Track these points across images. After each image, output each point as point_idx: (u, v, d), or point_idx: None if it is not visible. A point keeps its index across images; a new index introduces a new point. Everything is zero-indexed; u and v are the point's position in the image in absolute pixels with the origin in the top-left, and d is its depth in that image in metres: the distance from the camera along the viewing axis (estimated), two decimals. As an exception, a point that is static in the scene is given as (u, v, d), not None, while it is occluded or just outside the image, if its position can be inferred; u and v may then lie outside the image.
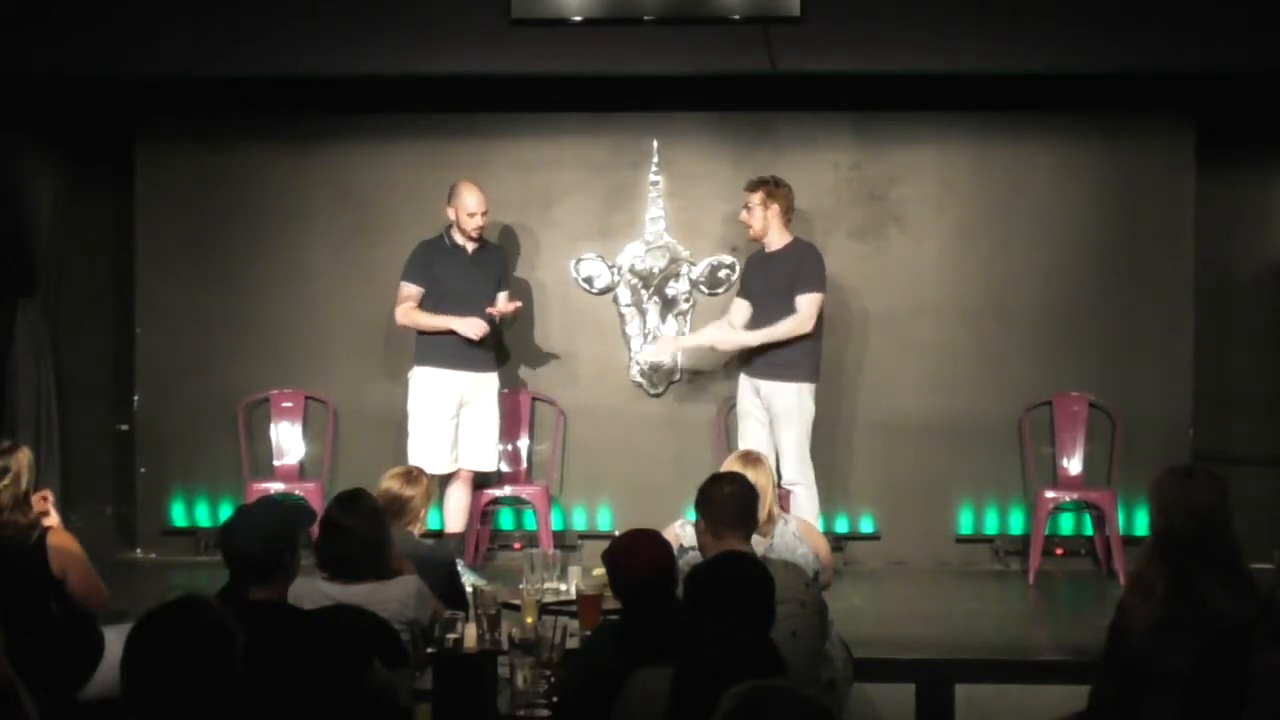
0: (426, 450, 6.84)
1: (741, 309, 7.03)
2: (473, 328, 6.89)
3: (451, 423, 6.94)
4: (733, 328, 6.99)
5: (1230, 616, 3.65)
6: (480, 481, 7.23)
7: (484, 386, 7.05)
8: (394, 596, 4.30)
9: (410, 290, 6.95)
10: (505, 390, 7.58)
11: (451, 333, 6.89)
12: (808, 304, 6.76)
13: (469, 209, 6.93)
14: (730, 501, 4.36)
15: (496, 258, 7.23)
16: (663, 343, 7.48)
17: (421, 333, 6.96)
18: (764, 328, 6.80)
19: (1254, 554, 4.00)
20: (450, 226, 7.02)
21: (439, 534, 7.03)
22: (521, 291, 7.62)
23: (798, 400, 6.76)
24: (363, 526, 4.39)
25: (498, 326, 7.19)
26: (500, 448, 7.42)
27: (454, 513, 7.04)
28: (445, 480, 6.98)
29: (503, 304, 7.07)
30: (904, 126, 7.68)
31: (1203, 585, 3.75)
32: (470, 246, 7.01)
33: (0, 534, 4.79)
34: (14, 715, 3.46)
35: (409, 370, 7.05)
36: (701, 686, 2.77)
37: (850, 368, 7.62)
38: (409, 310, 6.94)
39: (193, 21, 6.30)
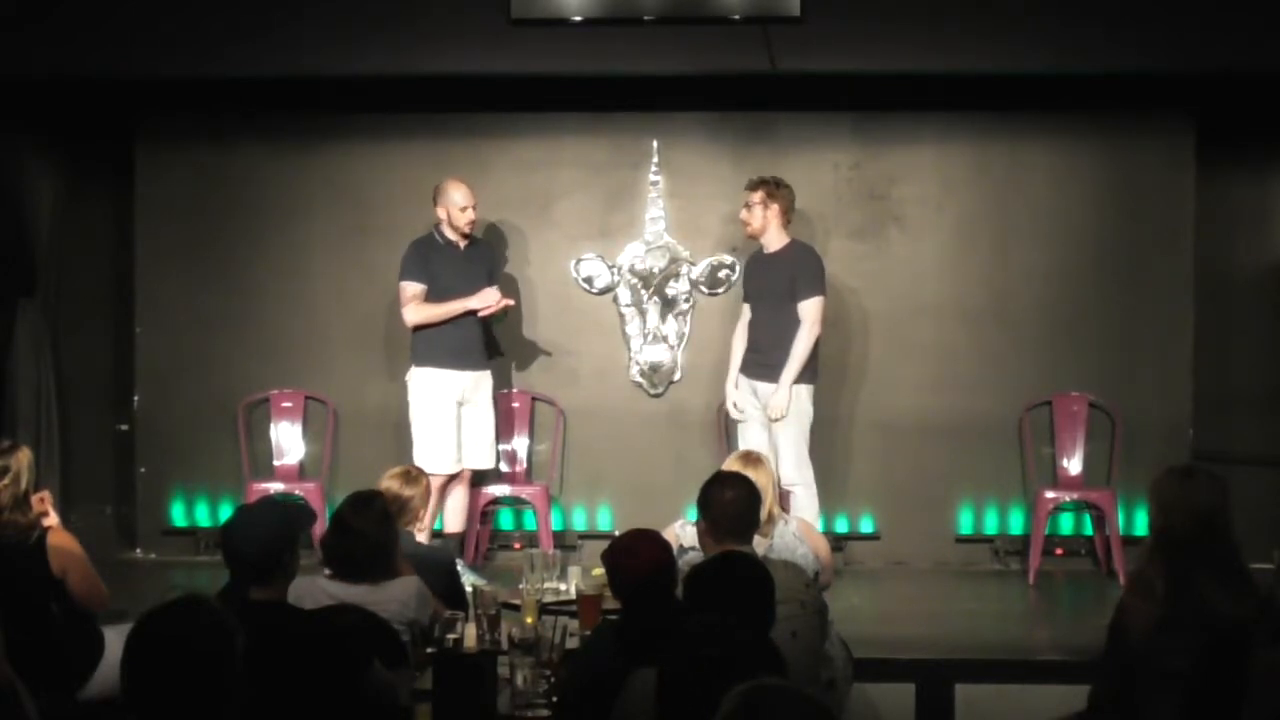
0: (434, 452, 6.83)
1: (747, 313, 7.04)
2: (485, 298, 6.92)
3: (455, 422, 6.93)
4: (743, 339, 6.98)
5: (1230, 616, 3.66)
6: (475, 479, 7.22)
7: (481, 384, 7.06)
8: (394, 597, 4.31)
9: (415, 289, 6.93)
10: (506, 390, 7.61)
11: (465, 315, 6.89)
12: (812, 309, 6.76)
13: (460, 204, 6.93)
14: (732, 508, 4.35)
15: (487, 253, 7.24)
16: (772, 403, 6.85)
17: (419, 330, 6.93)
18: (770, 337, 6.80)
19: (1254, 554, 4.00)
20: (438, 225, 7.01)
21: (439, 534, 7.03)
22: (522, 291, 7.63)
23: (795, 401, 6.76)
24: (372, 529, 4.40)
25: (490, 322, 7.18)
26: (500, 447, 7.43)
27: (454, 512, 7.04)
28: (445, 480, 6.98)
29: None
30: (904, 126, 7.68)
31: (1203, 585, 3.75)
32: (462, 243, 7.02)
33: (0, 534, 4.79)
34: (14, 715, 3.46)
35: (406, 372, 7.04)
36: (701, 686, 2.77)
37: (850, 368, 7.62)
38: (418, 307, 6.92)
39: (193, 21, 6.30)
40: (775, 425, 6.75)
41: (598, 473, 7.74)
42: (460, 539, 7.10)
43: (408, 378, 7.01)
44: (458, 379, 6.94)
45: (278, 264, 7.82)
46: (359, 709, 3.52)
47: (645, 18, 5.92)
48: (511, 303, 7.26)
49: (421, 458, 6.77)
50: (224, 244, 7.83)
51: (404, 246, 7.13)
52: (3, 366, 7.61)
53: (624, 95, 7.56)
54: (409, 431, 7.07)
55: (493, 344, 7.36)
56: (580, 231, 7.75)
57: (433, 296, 6.93)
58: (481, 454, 7.07)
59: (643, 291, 7.68)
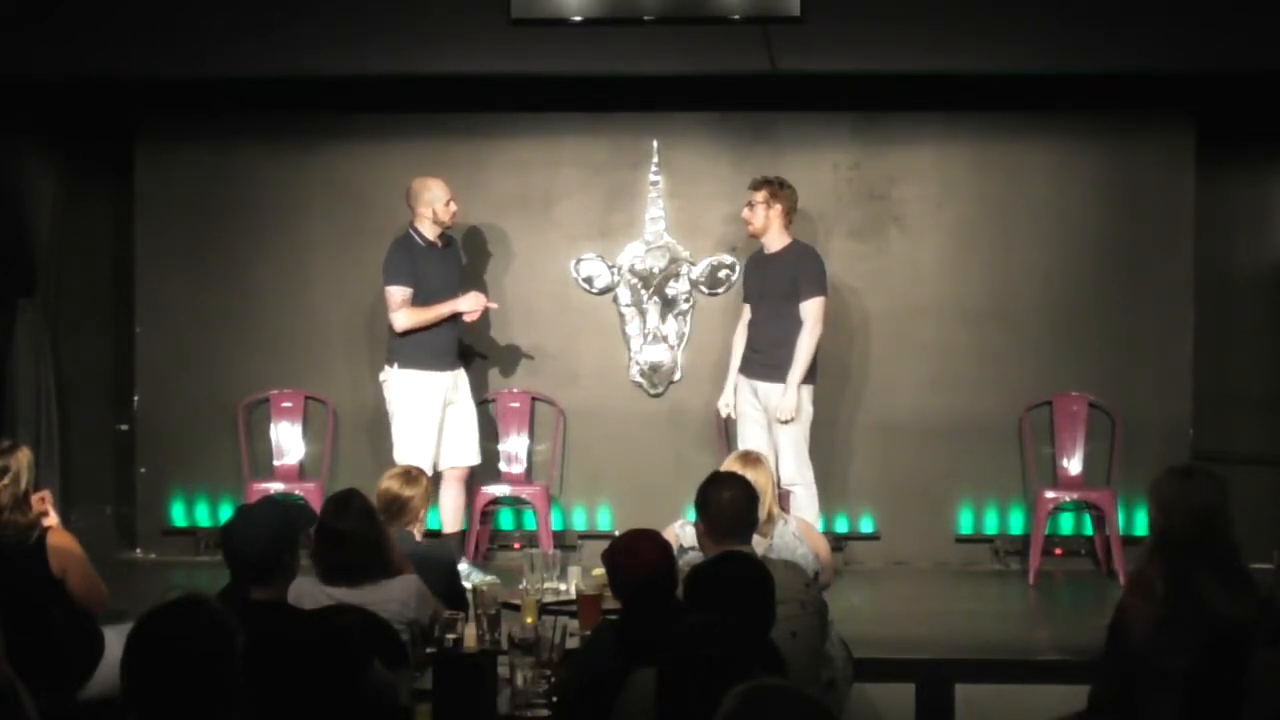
0: (417, 453, 6.79)
1: (747, 313, 7.04)
2: (472, 301, 6.95)
3: (438, 424, 6.93)
4: (744, 336, 6.99)
5: (1230, 616, 3.66)
6: (468, 477, 7.21)
7: (460, 383, 7.08)
8: (394, 596, 4.30)
9: (405, 293, 6.88)
10: (505, 390, 7.61)
11: (450, 320, 6.91)
12: (814, 309, 6.77)
13: (444, 198, 6.92)
14: (730, 508, 4.36)
15: (458, 251, 7.26)
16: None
17: (407, 334, 6.89)
18: (771, 337, 6.81)
19: (1254, 554, 4.00)
20: (414, 224, 6.97)
21: (437, 534, 7.04)
22: (522, 291, 7.63)
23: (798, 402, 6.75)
24: (359, 528, 4.37)
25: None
26: (500, 447, 7.43)
27: (451, 511, 7.04)
28: (436, 480, 6.98)
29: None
30: (904, 126, 7.68)
31: (1203, 585, 3.75)
32: (440, 242, 7.01)
33: (0, 534, 4.79)
34: (14, 715, 3.46)
35: (381, 372, 7.00)
36: (701, 686, 2.77)
37: (850, 368, 7.62)
38: (410, 313, 6.89)
39: (193, 21, 6.30)
40: (775, 425, 6.76)
41: (598, 473, 7.74)
42: (460, 538, 7.10)
43: (383, 377, 6.98)
44: (441, 380, 6.93)
45: (278, 264, 7.82)
46: (359, 709, 3.52)
47: (645, 18, 5.92)
48: (495, 305, 7.27)
49: (402, 459, 6.73)
50: (224, 244, 7.83)
51: (404, 246, 7.13)
52: (3, 366, 7.61)
53: (624, 95, 7.56)
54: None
55: (466, 347, 7.35)
56: (580, 231, 7.75)
57: (419, 298, 6.91)
58: (469, 451, 7.08)
59: (643, 291, 7.68)
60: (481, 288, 7.40)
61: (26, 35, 6.43)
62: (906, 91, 7.48)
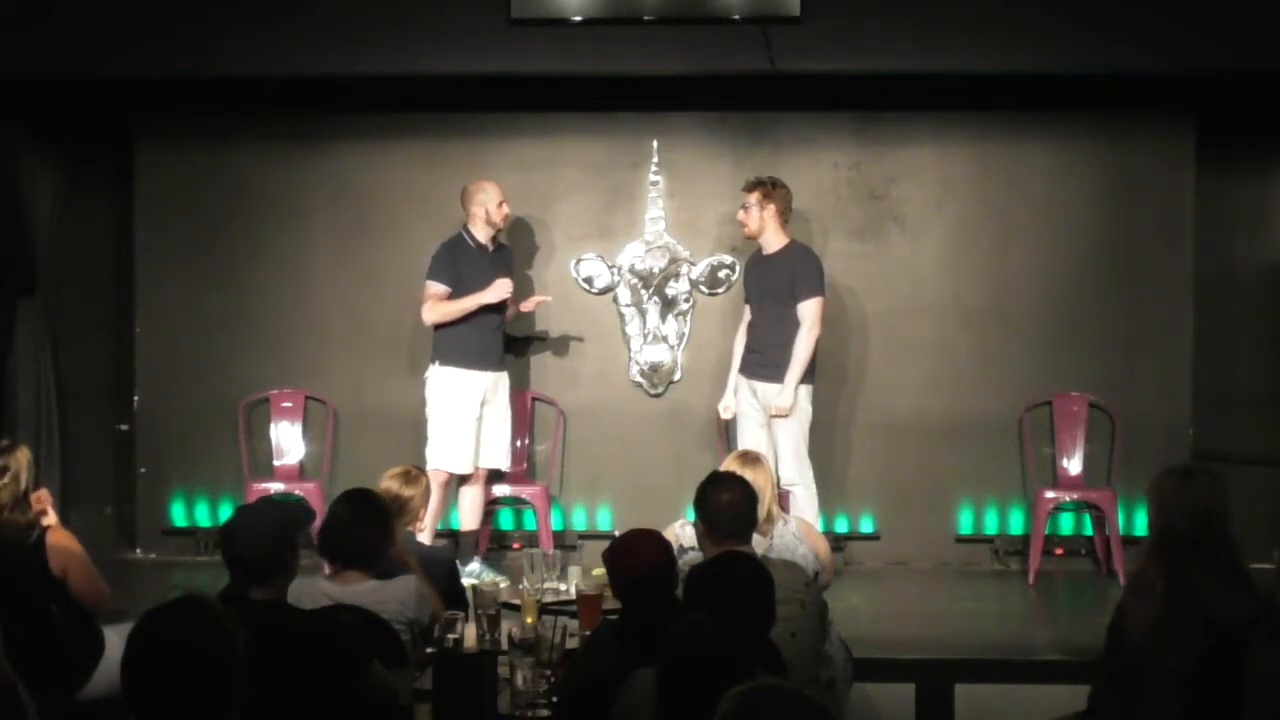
0: (451, 451, 6.85)
1: (748, 314, 7.05)
2: (498, 290, 6.94)
3: (475, 422, 6.94)
4: (743, 340, 7.00)
5: (1230, 616, 3.66)
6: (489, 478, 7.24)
7: (500, 385, 7.09)
8: (394, 596, 4.30)
9: (439, 289, 6.91)
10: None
11: (487, 317, 6.93)
12: (812, 310, 6.76)
13: (496, 200, 6.96)
14: (729, 510, 4.36)
15: (510, 256, 7.27)
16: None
17: (441, 330, 6.93)
18: (769, 337, 6.82)
19: (1254, 554, 4.01)
20: (467, 225, 7.01)
21: (455, 533, 7.11)
22: (522, 291, 7.63)
23: (794, 401, 6.75)
24: (365, 522, 4.40)
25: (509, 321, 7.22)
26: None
27: (470, 510, 7.08)
28: (460, 478, 7.00)
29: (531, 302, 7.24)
30: (904, 126, 7.68)
31: (1202, 585, 3.76)
32: (490, 246, 7.03)
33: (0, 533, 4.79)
34: (14, 715, 3.46)
35: (425, 370, 7.03)
36: (700, 686, 2.77)
37: (850, 368, 7.62)
38: (433, 306, 6.90)
39: (192, 21, 6.31)
40: (774, 425, 6.76)
41: (598, 473, 7.74)
42: (475, 537, 7.12)
43: (427, 375, 7.02)
44: (479, 379, 6.95)
45: (278, 264, 7.82)
46: (358, 709, 3.52)
47: (645, 18, 5.93)
48: (545, 299, 7.36)
49: (437, 455, 6.81)
50: (224, 244, 7.84)
51: (404, 246, 7.14)
52: (3, 366, 7.61)
53: (624, 95, 7.55)
54: (410, 431, 7.10)
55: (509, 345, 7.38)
56: (580, 231, 7.75)
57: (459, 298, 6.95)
58: (499, 454, 7.10)
59: (643, 291, 7.68)
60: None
61: (27, 34, 6.43)
62: (906, 91, 7.48)
